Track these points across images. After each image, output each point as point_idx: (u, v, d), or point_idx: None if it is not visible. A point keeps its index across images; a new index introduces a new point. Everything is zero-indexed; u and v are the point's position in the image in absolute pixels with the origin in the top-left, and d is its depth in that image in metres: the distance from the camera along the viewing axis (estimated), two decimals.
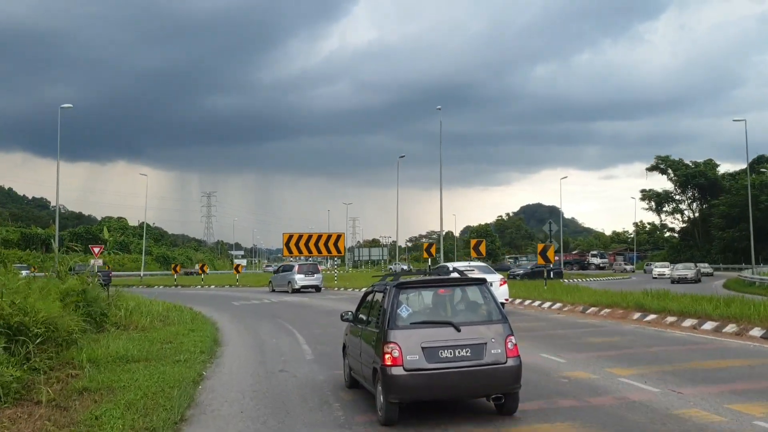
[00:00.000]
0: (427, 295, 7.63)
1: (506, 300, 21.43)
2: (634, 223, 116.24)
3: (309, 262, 51.13)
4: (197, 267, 54.68)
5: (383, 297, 7.40)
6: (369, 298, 8.41)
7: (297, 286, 36.02)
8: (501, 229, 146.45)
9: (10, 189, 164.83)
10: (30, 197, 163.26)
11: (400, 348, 6.70)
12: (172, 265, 52.70)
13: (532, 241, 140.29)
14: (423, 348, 6.73)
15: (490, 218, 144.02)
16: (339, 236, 50.84)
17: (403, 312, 7.07)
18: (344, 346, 9.28)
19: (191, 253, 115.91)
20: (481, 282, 7.67)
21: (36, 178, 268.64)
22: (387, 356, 6.71)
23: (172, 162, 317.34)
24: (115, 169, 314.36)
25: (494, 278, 20.06)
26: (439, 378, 6.70)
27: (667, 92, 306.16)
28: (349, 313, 8.95)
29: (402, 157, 55.72)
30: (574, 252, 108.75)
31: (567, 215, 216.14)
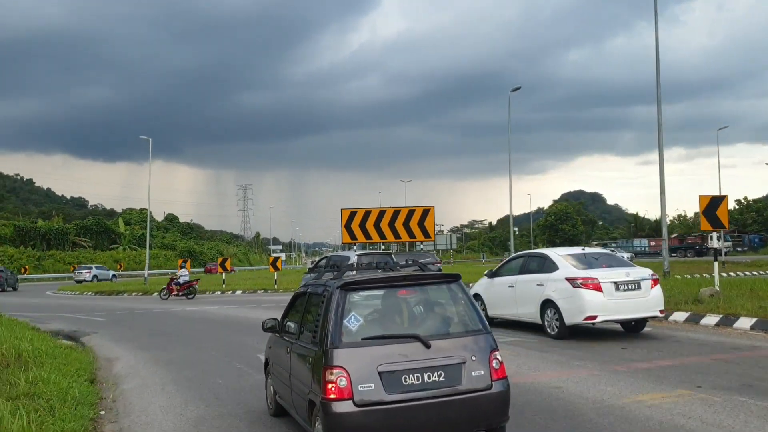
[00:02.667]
0: (382, 298, 5.36)
1: (660, 312, 11.83)
2: (738, 201, 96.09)
3: (372, 251, 34.39)
4: (218, 263, 37.94)
5: (323, 302, 5.27)
6: (301, 301, 6.17)
7: None
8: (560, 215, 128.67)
9: (48, 189, 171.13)
10: (68, 197, 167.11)
11: (348, 374, 4.72)
12: (179, 261, 36.09)
13: (593, 227, 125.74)
14: (380, 373, 4.77)
15: (526, 208, 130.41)
16: (427, 211, 33.75)
17: (352, 323, 4.99)
18: (266, 362, 7.16)
19: (222, 247, 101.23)
20: (454, 278, 5.53)
21: (74, 178, 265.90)
22: (330, 386, 4.71)
23: (207, 160, 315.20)
24: (152, 168, 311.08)
25: (640, 274, 11.58)
26: (403, 414, 4.75)
27: (705, 74, 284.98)
28: (274, 321, 6.55)
29: (517, 88, 37.81)
30: (687, 236, 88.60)
31: (609, 201, 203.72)
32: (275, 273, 34.21)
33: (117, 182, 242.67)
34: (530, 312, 12.28)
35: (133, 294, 34.62)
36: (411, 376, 4.84)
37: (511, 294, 12.94)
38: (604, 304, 11.03)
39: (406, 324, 5.31)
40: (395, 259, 17.94)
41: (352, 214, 33.90)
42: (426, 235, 33.27)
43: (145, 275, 45.05)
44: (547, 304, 11.76)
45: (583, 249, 12.91)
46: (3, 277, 43.30)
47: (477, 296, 14.42)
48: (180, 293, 27.50)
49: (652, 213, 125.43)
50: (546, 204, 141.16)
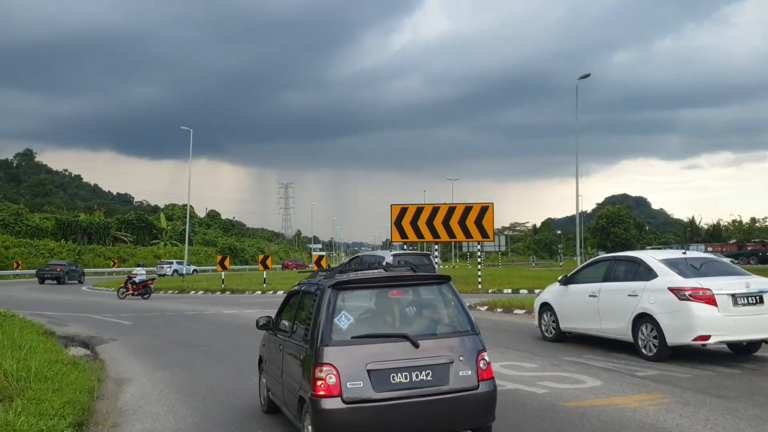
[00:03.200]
0: (373, 298, 5.49)
1: None
2: None
3: (409, 251, 32.17)
4: (260, 260, 35.65)
5: (315, 300, 5.37)
6: (294, 299, 6.25)
7: None
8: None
9: (95, 185, 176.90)
10: (115, 193, 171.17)
11: (337, 372, 4.81)
12: (218, 258, 33.92)
13: (641, 232, 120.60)
14: (369, 371, 4.86)
15: (568, 211, 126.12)
16: (485, 208, 30.75)
17: (343, 322, 5.08)
18: (260, 360, 7.25)
19: (263, 245, 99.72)
20: (445, 280, 5.65)
21: (121, 175, 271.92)
22: (319, 383, 4.80)
23: (250, 158, 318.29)
24: (196, 166, 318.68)
25: (763, 285, 9.52)
26: (390, 412, 4.83)
27: (757, 77, 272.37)
28: (267, 318, 6.65)
29: (586, 76, 34.33)
30: (746, 242, 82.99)
31: (654, 206, 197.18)
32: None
33: (162, 180, 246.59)
34: (618, 327, 10.24)
35: (169, 292, 32.61)
36: (399, 374, 4.88)
37: (592, 305, 10.82)
38: (720, 322, 9.07)
39: (397, 324, 5.34)
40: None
41: (403, 210, 31.12)
42: (484, 234, 30.22)
43: (183, 272, 43.14)
44: (643, 319, 9.75)
45: (684, 252, 10.70)
46: (63, 271, 44.43)
47: (545, 306, 12.21)
48: (135, 293, 26.64)
49: (701, 218, 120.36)
50: (589, 207, 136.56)
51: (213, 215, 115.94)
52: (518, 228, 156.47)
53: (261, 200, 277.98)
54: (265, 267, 32.59)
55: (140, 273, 27.46)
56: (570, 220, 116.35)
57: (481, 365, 5.17)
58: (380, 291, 5.47)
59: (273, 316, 6.65)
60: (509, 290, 28.22)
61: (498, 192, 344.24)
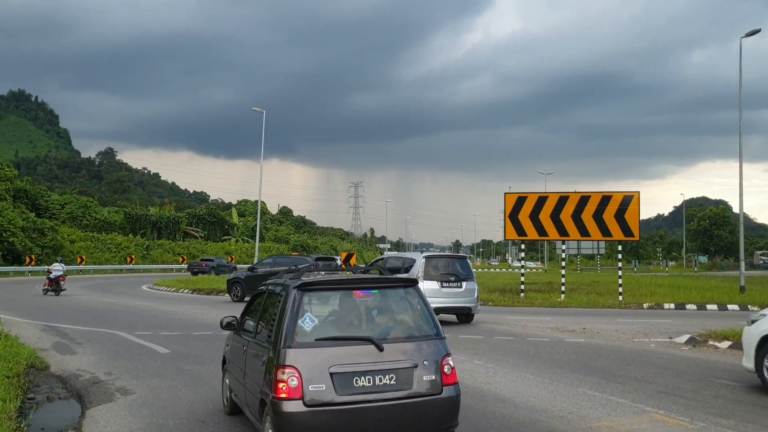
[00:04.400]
0: (338, 300, 5.32)
1: None
2: None
3: (444, 254, 25.20)
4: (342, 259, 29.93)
5: (280, 301, 5.22)
6: (260, 300, 6.08)
7: None
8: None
9: (173, 183, 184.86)
10: (191, 191, 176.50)
11: (299, 374, 4.69)
12: (343, 256, 28.58)
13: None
14: (332, 374, 4.74)
15: (646, 214, 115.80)
16: (629, 198, 23.99)
17: (307, 324, 4.95)
18: (224, 360, 7.02)
19: (336, 242, 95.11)
20: (412, 283, 5.53)
21: (197, 174, 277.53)
22: (281, 386, 4.67)
23: (319, 159, 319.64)
24: (268, 166, 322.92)
25: None
26: (353, 416, 4.71)
27: None
28: (232, 318, 6.50)
29: (755, 32, 26.86)
30: None
31: (736, 210, 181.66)
32: None
33: (236, 178, 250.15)
34: None
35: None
36: (362, 378, 4.78)
37: None
38: None
39: (362, 326, 5.21)
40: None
41: (520, 200, 24.76)
42: (627, 232, 23.50)
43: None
44: None
45: None
46: (208, 266, 47.71)
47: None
48: (50, 289, 25.79)
49: None
50: (666, 210, 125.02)
51: (285, 212, 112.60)
52: None
53: (329, 200, 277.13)
54: (349, 267, 26.83)
55: (56, 269, 26.04)
56: (645, 223, 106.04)
57: (446, 370, 5.06)
58: (346, 293, 5.28)
59: (238, 317, 6.47)
60: (671, 305, 21.33)
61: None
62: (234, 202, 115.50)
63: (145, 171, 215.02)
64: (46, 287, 25.94)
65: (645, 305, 21.37)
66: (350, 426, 4.69)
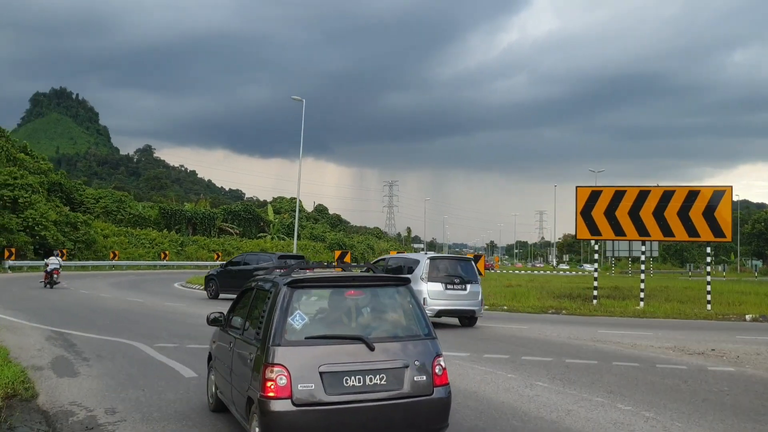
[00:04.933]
0: (329, 298, 5.21)
1: None
2: None
3: (450, 255, 24.36)
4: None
5: (269, 298, 5.10)
6: (248, 296, 5.95)
7: (429, 312, 13.40)
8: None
9: (209, 181, 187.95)
10: (227, 189, 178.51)
11: (288, 373, 4.58)
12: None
13: None
14: (322, 373, 4.63)
15: None
16: (720, 193, 20.89)
17: (297, 322, 4.85)
18: (210, 357, 6.86)
19: (373, 242, 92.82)
20: (404, 282, 5.41)
21: (233, 171, 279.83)
22: (269, 384, 4.56)
23: (353, 158, 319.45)
24: (303, 165, 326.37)
25: None
26: (342, 416, 4.60)
27: None
28: (219, 314, 6.38)
29: None
30: None
31: None
32: None
33: (271, 177, 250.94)
34: None
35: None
36: (353, 377, 4.68)
37: None
38: None
39: (353, 325, 5.09)
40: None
41: (594, 194, 21.80)
42: (717, 232, 20.41)
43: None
44: None
45: None
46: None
47: None
48: (47, 282, 26.27)
49: None
50: None
51: (321, 210, 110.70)
52: None
53: (362, 198, 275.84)
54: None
55: (51, 262, 26.48)
56: None
57: (437, 370, 4.98)
58: (337, 291, 5.19)
59: (225, 312, 6.35)
60: None
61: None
62: (269, 199, 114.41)
63: (182, 168, 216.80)
64: (43, 280, 26.43)
65: (747, 317, 18.29)
66: (339, 426, 4.59)
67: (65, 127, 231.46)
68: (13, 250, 40.31)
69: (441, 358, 5.05)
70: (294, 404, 4.50)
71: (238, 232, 74.23)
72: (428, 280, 14.25)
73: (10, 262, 39.64)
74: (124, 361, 9.50)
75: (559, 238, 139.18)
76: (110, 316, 15.93)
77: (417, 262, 14.96)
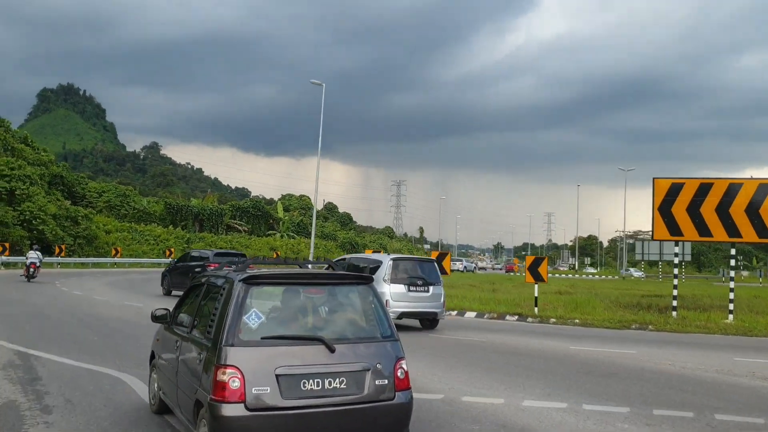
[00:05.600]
0: (287, 296, 4.91)
1: None
2: None
3: (412, 257, 19.86)
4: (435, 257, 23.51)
5: (222, 295, 4.81)
6: (197, 292, 5.63)
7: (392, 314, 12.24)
8: None
9: (215, 179, 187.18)
10: (233, 186, 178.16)
11: (242, 375, 4.28)
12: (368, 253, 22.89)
13: None
14: (278, 376, 4.35)
15: None
16: None
17: (252, 321, 4.54)
18: (152, 355, 6.41)
19: (385, 241, 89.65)
20: (366, 281, 5.15)
21: (239, 170, 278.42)
22: (221, 387, 4.25)
23: (358, 158, 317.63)
24: (308, 164, 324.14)
25: None
26: (298, 421, 4.33)
27: None
28: (165, 311, 5.97)
29: None
30: None
31: None
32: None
33: (276, 175, 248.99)
34: None
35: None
36: (311, 381, 4.43)
37: None
38: None
39: (311, 325, 4.86)
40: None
41: (675, 188, 18.38)
42: None
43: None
44: None
45: None
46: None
47: None
48: (26, 275, 27.07)
49: None
50: None
51: (330, 208, 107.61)
52: (641, 236, 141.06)
53: (367, 198, 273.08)
54: (538, 277, 19.10)
55: (31, 256, 27.16)
56: None
57: (399, 374, 4.76)
58: (294, 288, 4.91)
59: (171, 309, 6.01)
60: None
61: (611, 198, 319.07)
62: (276, 198, 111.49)
63: (189, 166, 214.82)
64: (23, 274, 27.22)
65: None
66: None
67: (72, 123, 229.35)
68: (7, 245, 37.26)
69: (403, 361, 4.83)
70: (247, 408, 4.21)
71: (246, 229, 71.20)
72: (391, 282, 14.05)
73: (4, 258, 36.58)
74: (102, 406, 6.33)
75: (571, 241, 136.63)
76: (100, 328, 12.76)
77: (379, 262, 14.59)
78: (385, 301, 12.77)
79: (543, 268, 18.31)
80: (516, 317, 18.47)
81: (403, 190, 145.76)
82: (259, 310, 4.58)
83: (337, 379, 4.47)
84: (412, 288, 14.19)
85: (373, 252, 31.95)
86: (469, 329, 15.27)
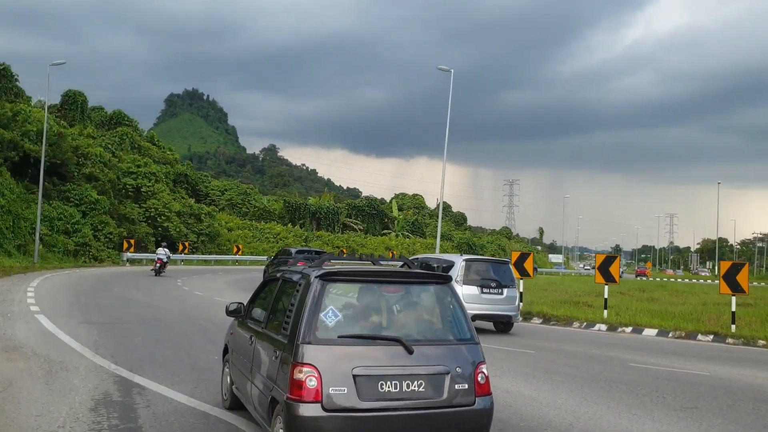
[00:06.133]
0: (363, 294, 4.68)
1: None
2: None
3: (486, 258, 17.41)
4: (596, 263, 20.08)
5: (298, 291, 4.63)
6: (272, 287, 5.47)
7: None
8: None
9: (328, 179, 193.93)
10: (345, 187, 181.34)
11: (319, 374, 4.10)
12: (514, 256, 19.49)
13: None
14: (355, 376, 4.15)
15: None
16: None
17: (329, 318, 4.36)
18: (226, 349, 6.38)
19: (503, 242, 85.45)
20: (445, 280, 4.86)
21: (350, 171, 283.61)
22: (297, 386, 4.09)
23: (468, 157, 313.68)
24: (417, 165, 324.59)
25: None
26: (375, 424, 4.13)
27: None
28: (239, 305, 5.89)
29: None
30: None
31: None
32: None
33: (386, 175, 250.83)
34: None
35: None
36: (389, 382, 4.22)
37: None
38: None
39: (387, 324, 4.63)
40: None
41: None
42: None
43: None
44: None
45: None
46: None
47: None
48: (154, 270, 28.07)
49: None
50: None
51: (444, 207, 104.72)
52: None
53: (477, 198, 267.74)
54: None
55: (160, 253, 28.47)
56: None
57: (479, 379, 4.50)
58: (372, 286, 4.67)
59: (245, 303, 5.94)
60: None
61: (737, 199, 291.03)
62: (386, 198, 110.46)
63: (304, 167, 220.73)
64: (152, 269, 28.57)
65: None
66: None
67: (197, 126, 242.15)
68: (132, 241, 37.57)
69: (484, 366, 4.57)
70: (324, 409, 4.03)
71: (362, 228, 69.95)
72: (463, 283, 13.69)
73: (129, 255, 36.85)
74: None
75: (699, 243, 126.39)
76: (221, 342, 10.66)
77: (452, 263, 14.25)
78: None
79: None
80: (711, 337, 14.77)
81: (516, 190, 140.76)
82: (335, 308, 4.40)
83: (416, 382, 4.27)
84: (485, 290, 13.88)
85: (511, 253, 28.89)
86: (664, 354, 11.86)
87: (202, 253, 44.84)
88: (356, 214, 71.40)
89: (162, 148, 55.65)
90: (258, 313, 5.50)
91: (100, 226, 36.37)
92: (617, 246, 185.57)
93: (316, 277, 4.46)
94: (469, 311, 13.76)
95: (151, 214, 42.08)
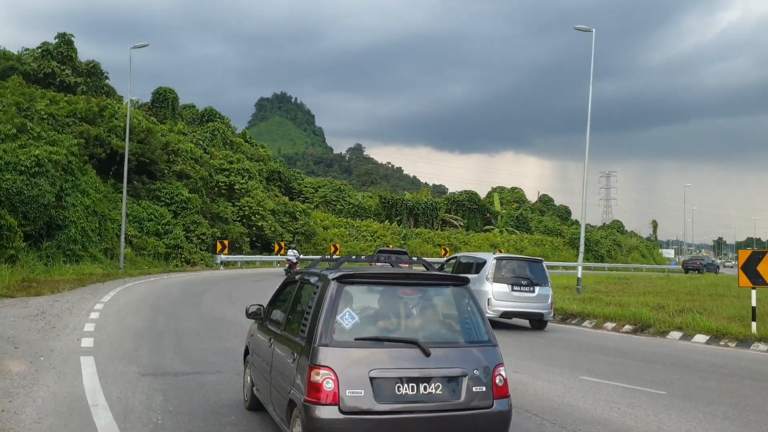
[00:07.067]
0: (380, 296, 4.73)
1: None
2: None
3: (517, 256, 17.21)
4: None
5: (315, 293, 4.68)
6: (290, 289, 5.55)
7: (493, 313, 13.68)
8: None
9: (414, 177, 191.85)
10: (431, 184, 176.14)
11: (336, 377, 4.14)
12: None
13: None
14: (372, 379, 4.20)
15: None
16: None
17: (346, 321, 4.40)
18: (246, 351, 6.44)
19: (618, 238, 77.97)
20: (462, 282, 4.89)
21: (435, 167, 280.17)
22: (315, 388, 4.15)
23: (554, 150, 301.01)
24: (502, 160, 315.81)
25: None
26: (393, 426, 4.18)
27: None
28: (258, 307, 5.91)
29: None
30: None
31: None
32: None
33: (471, 170, 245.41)
34: None
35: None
36: (406, 385, 4.26)
37: None
38: None
39: (405, 327, 4.65)
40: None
41: None
42: None
43: (579, 278, 24.56)
44: None
45: None
46: (702, 264, 54.41)
47: None
48: (288, 269, 28.27)
49: None
50: None
51: (546, 200, 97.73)
52: None
53: (566, 191, 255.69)
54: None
55: (290, 255, 29.44)
56: None
57: (497, 381, 4.50)
58: (389, 288, 4.71)
59: (265, 305, 5.94)
60: None
61: None
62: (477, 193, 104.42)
63: (389, 165, 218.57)
64: (286, 268, 28.98)
65: None
66: None
67: (286, 129, 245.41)
68: (226, 242, 34.57)
69: (502, 368, 4.57)
70: (341, 411, 4.07)
71: (462, 224, 64.97)
72: (494, 281, 13.96)
73: (223, 257, 33.83)
74: None
75: None
76: None
77: (485, 261, 14.59)
78: (486, 300, 13.44)
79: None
80: None
81: (613, 182, 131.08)
82: (352, 311, 4.41)
83: (433, 384, 4.28)
84: (515, 288, 14.05)
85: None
86: None
87: (299, 253, 41.57)
88: (456, 209, 66.52)
89: (254, 144, 53.14)
90: (277, 315, 5.50)
91: (192, 226, 33.58)
92: (720, 239, 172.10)
93: (333, 279, 4.47)
94: (498, 308, 13.69)
95: (245, 213, 39.16)
